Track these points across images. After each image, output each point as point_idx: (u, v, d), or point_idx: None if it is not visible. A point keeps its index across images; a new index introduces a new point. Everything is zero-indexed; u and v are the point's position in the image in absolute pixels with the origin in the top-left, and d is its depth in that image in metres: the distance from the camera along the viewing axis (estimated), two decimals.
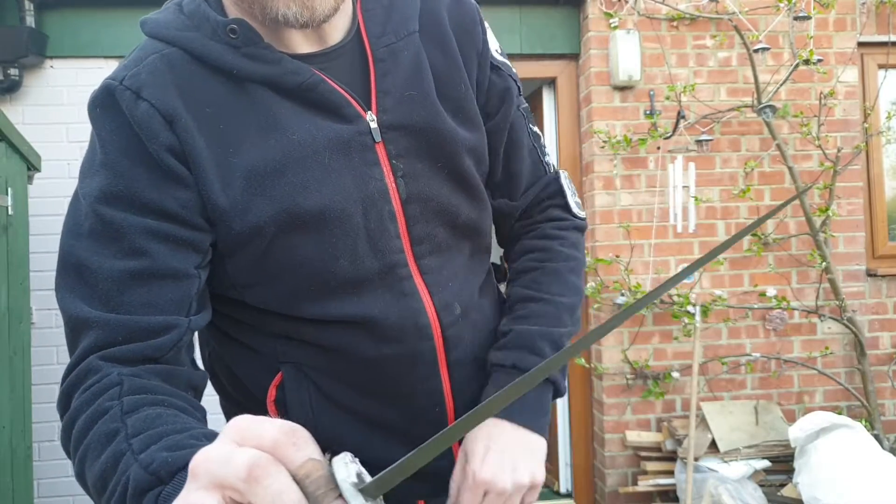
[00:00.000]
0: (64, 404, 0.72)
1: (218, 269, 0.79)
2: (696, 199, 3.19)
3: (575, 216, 0.98)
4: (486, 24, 0.95)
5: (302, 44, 0.80)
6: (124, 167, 0.73)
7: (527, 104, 1.03)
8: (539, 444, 0.85)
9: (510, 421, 0.84)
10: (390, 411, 0.83)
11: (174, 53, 0.76)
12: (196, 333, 0.79)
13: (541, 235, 0.96)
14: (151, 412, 0.64)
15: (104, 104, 0.75)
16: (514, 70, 0.99)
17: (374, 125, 0.80)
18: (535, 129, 1.01)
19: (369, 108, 0.80)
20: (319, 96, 0.77)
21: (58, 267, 0.75)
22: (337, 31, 0.82)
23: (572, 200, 0.98)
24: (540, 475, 0.84)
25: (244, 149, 0.75)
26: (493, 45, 0.95)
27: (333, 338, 0.80)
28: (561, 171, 1.00)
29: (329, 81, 0.78)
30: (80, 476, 0.65)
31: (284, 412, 0.81)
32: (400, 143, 0.81)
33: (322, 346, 0.81)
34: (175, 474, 0.55)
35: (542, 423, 0.86)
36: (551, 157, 1.03)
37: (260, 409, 0.81)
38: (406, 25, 0.84)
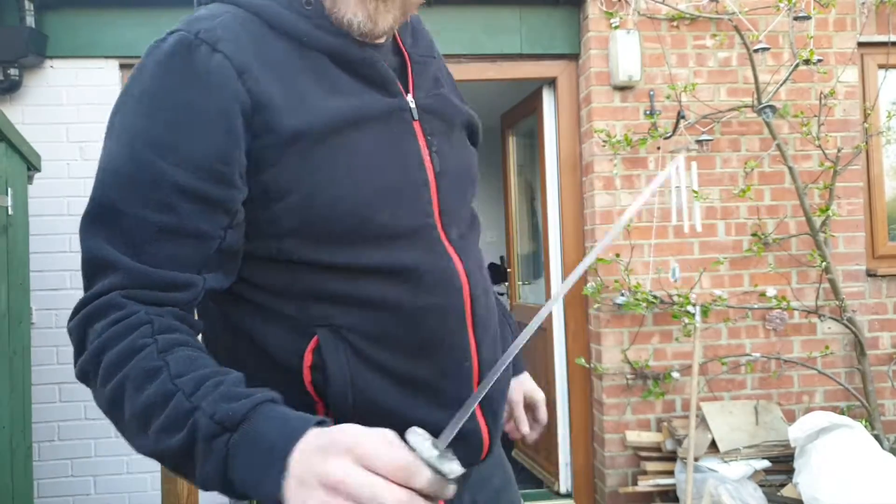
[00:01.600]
0: (81, 332, 0.74)
1: (260, 218, 0.81)
2: (697, 193, 3.19)
3: None
4: None
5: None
6: (180, 118, 0.76)
7: None
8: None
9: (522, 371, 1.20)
10: (422, 368, 0.85)
11: (245, 16, 0.82)
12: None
13: None
14: (187, 353, 0.70)
15: (175, 53, 0.77)
16: None
17: (412, 105, 0.90)
18: None
19: (409, 93, 0.91)
20: (375, 72, 0.87)
21: (90, 204, 0.77)
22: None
23: None
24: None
25: (309, 101, 0.81)
26: None
27: (370, 290, 0.82)
28: None
29: (384, 62, 0.88)
30: (112, 401, 0.70)
31: (323, 377, 0.81)
32: (433, 124, 0.92)
33: (357, 302, 0.82)
34: (239, 425, 0.63)
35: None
36: None
37: (291, 380, 0.82)
38: (429, 50, 1.02)
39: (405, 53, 0.96)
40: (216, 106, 0.76)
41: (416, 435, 0.58)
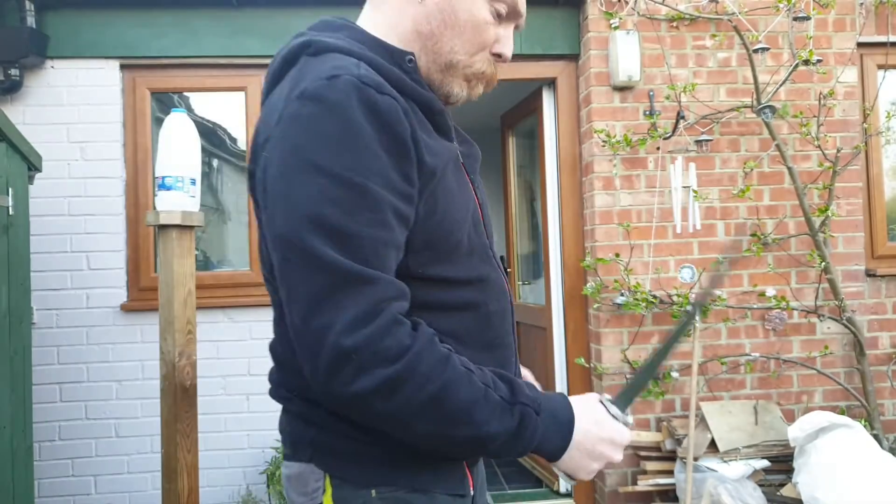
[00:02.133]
0: (377, 345, 0.83)
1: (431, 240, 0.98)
2: (696, 193, 3.19)
3: None
4: None
5: None
6: (376, 148, 0.87)
7: None
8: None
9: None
10: (489, 361, 1.00)
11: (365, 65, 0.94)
12: None
13: None
14: (466, 360, 0.91)
15: (351, 94, 0.87)
16: None
17: (458, 150, 1.06)
18: None
19: (453, 142, 1.06)
20: (445, 122, 1.02)
21: (302, 228, 0.85)
22: None
23: None
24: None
25: (430, 144, 0.96)
26: None
27: (459, 297, 0.99)
28: None
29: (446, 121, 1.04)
30: (435, 400, 0.86)
31: None
32: (471, 165, 1.10)
33: (449, 307, 0.98)
34: (540, 408, 0.92)
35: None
36: None
37: None
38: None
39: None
40: (400, 138, 0.89)
41: (612, 405, 1.00)
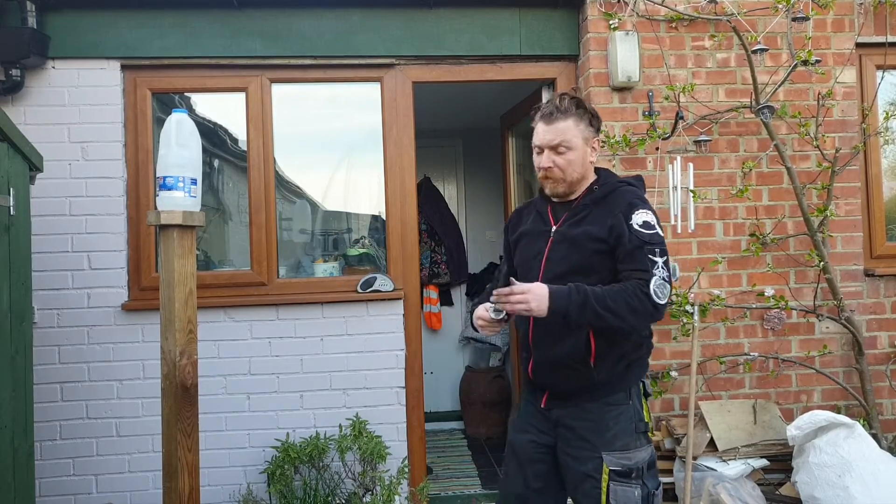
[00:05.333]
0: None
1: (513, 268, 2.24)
2: (694, 192, 3.20)
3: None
4: None
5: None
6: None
7: None
8: (546, 307, 1.87)
9: (551, 294, 1.89)
10: (525, 330, 2.13)
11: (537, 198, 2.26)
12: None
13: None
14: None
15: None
16: None
17: (554, 229, 2.08)
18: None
19: (557, 223, 2.10)
20: (539, 214, 2.17)
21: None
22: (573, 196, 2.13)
23: None
24: (535, 308, 1.88)
25: (518, 226, 2.25)
26: None
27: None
28: None
29: (549, 211, 2.13)
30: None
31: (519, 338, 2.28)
32: (558, 239, 2.07)
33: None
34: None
35: (556, 304, 1.87)
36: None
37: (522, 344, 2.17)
38: (605, 206, 2.05)
39: (575, 205, 2.08)
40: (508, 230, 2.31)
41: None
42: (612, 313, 1.84)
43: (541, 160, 2.03)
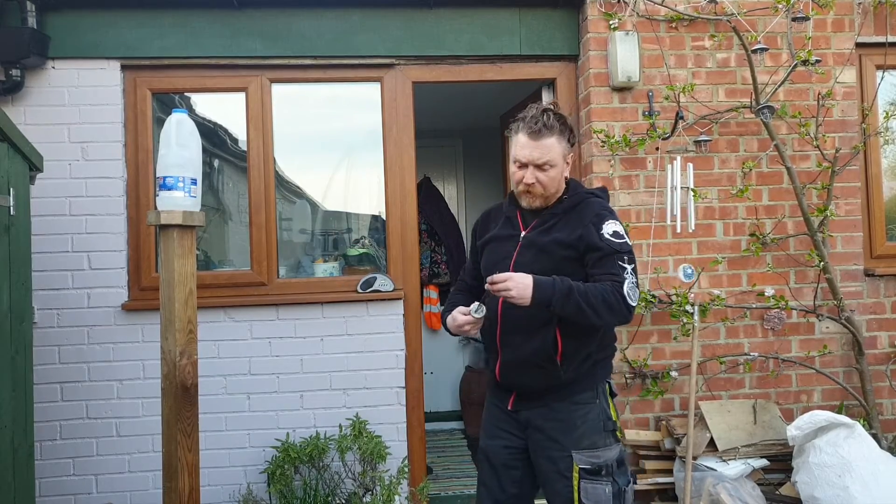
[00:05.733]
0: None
1: (477, 269, 2.29)
2: (695, 191, 3.20)
3: None
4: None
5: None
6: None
7: None
8: (529, 294, 1.93)
9: (535, 283, 1.95)
10: (487, 338, 2.19)
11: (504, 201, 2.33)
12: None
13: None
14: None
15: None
16: None
17: (522, 234, 2.14)
18: None
19: (526, 229, 2.16)
20: (509, 219, 2.21)
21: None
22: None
23: None
24: (516, 295, 1.94)
25: (485, 232, 2.29)
26: None
27: (490, 304, 2.10)
28: None
29: (518, 217, 2.18)
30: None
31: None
32: (527, 245, 2.12)
33: (491, 303, 2.11)
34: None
35: (540, 293, 1.94)
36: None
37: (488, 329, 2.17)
38: (573, 216, 2.12)
39: (545, 213, 2.14)
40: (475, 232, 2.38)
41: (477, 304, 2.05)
42: (592, 308, 1.91)
43: (524, 175, 2.07)
